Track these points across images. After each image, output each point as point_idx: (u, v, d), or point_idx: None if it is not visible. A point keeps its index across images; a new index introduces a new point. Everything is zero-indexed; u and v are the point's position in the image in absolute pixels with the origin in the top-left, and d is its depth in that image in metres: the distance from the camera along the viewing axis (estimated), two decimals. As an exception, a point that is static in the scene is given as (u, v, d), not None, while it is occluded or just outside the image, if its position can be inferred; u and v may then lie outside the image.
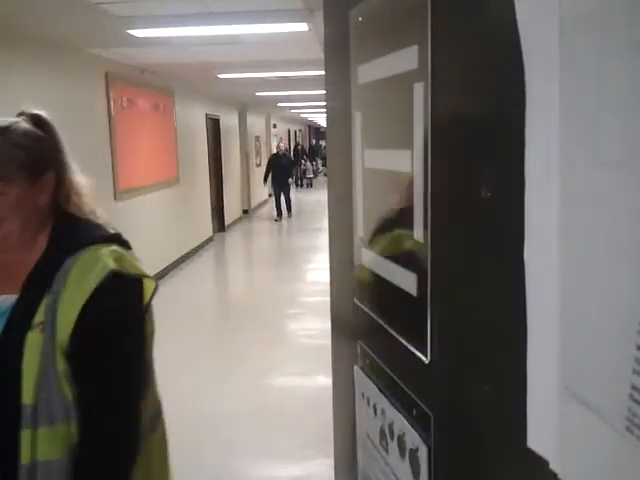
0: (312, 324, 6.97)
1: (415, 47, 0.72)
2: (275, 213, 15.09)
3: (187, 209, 10.36)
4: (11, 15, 4.98)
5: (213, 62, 7.86)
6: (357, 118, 0.95)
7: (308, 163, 24.32)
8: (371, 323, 0.93)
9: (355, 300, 1.01)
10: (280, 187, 14.76)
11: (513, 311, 0.56)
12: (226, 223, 13.47)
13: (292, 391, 5.14)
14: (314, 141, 30.64)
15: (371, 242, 0.93)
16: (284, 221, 14.94)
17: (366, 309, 0.96)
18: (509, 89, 0.56)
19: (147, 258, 7.18)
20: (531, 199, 0.51)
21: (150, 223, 8.50)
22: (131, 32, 5.53)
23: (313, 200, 20.27)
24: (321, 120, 28.91)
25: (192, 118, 11.02)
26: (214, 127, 12.74)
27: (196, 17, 5.23)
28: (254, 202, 16.42)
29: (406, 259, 0.79)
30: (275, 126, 21.34)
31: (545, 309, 0.51)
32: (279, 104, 15.77)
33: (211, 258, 10.80)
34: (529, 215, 0.52)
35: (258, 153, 17.44)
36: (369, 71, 0.89)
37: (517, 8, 0.50)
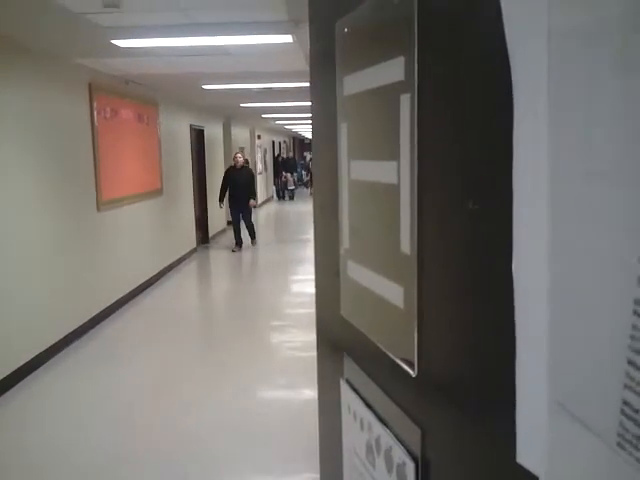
0: (296, 336, 6.94)
1: (402, 58, 0.72)
2: (234, 242, 12.49)
3: (170, 220, 10.32)
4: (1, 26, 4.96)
5: (198, 73, 7.86)
6: (343, 129, 0.94)
7: (289, 174, 24.37)
8: (357, 336, 0.92)
9: (341, 312, 1.00)
10: (239, 209, 12.02)
11: (502, 325, 0.56)
12: (210, 235, 13.43)
13: (277, 404, 5.11)
14: (291, 154, 30.69)
15: (357, 254, 0.92)
16: (248, 249, 12.56)
17: (352, 322, 0.95)
18: (497, 101, 0.56)
19: (130, 270, 7.16)
20: (519, 212, 0.51)
21: (133, 234, 8.45)
22: (115, 42, 5.52)
23: (294, 211, 20.29)
24: (306, 132, 29.01)
25: (176, 129, 11.01)
26: (198, 138, 12.72)
27: (181, 28, 5.23)
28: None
29: (392, 271, 0.79)
30: (259, 137, 21.38)
31: (534, 323, 0.50)
32: (264, 115, 15.80)
33: (194, 270, 10.76)
34: (517, 228, 0.51)
35: (242, 164, 17.43)
36: (355, 82, 0.88)
37: (505, 21, 0.50)
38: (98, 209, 7.19)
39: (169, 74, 7.77)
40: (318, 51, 1.10)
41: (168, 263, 10.06)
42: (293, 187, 24.51)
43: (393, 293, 0.78)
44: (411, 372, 0.74)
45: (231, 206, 12.22)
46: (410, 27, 0.69)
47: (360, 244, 0.91)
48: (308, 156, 31.43)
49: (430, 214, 0.69)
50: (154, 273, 9.30)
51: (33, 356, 5.60)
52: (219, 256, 12.23)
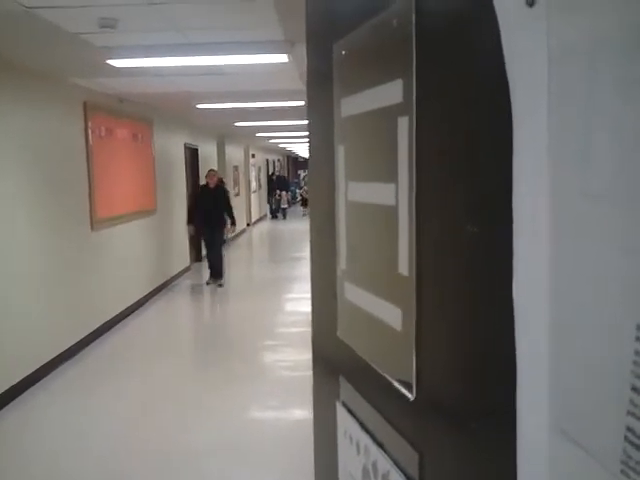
0: (290, 356, 6.91)
1: (400, 81, 0.72)
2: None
3: (164, 238, 10.29)
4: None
5: (192, 92, 7.89)
6: (340, 151, 0.95)
7: (283, 193, 24.41)
8: (354, 358, 0.92)
9: (337, 334, 1.00)
10: (210, 235, 10.08)
11: (502, 348, 0.55)
12: (203, 253, 13.39)
13: (271, 425, 5.07)
14: (284, 172, 30.79)
15: (354, 275, 0.92)
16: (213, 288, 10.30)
17: (349, 343, 0.94)
18: (495, 123, 0.56)
19: (123, 288, 7.08)
20: (520, 236, 0.51)
21: (127, 252, 8.42)
22: (110, 62, 5.53)
23: (288, 230, 20.30)
24: (300, 150, 29.10)
25: (171, 147, 11.02)
26: (192, 157, 12.74)
27: (176, 48, 5.25)
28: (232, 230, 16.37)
29: (390, 293, 0.78)
30: (254, 156, 21.43)
31: (535, 347, 0.50)
32: (258, 134, 15.86)
33: (188, 288, 10.69)
34: (517, 250, 0.51)
35: (236, 183, 17.47)
36: (353, 104, 0.89)
37: (504, 42, 0.50)
38: (92, 228, 7.17)
39: (164, 93, 7.80)
40: (315, 72, 1.11)
41: (162, 281, 10.02)
42: (286, 206, 24.54)
43: (391, 315, 0.77)
44: (409, 395, 0.73)
45: (201, 231, 10.20)
46: (408, 50, 0.69)
47: (357, 266, 0.91)
48: (302, 174, 31.51)
49: (429, 236, 0.69)
50: (147, 291, 9.26)
51: (28, 373, 5.56)
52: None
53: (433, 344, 0.69)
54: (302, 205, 25.87)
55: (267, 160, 26.59)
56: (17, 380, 5.49)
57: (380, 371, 0.82)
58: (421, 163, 0.69)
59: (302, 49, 4.42)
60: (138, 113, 9.01)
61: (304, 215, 24.55)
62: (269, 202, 24.44)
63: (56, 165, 6.39)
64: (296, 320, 8.40)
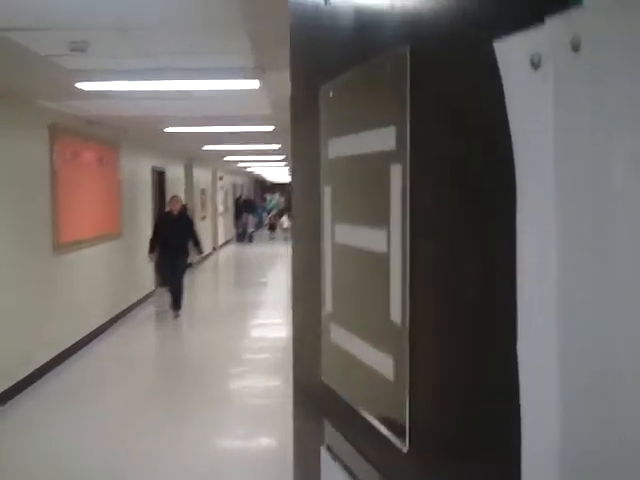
0: (256, 382, 6.83)
1: (392, 128, 0.72)
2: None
3: (129, 263, 10.14)
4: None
5: (161, 116, 7.85)
6: (327, 192, 0.94)
7: (250, 217, 24.35)
8: (340, 403, 0.90)
9: (322, 377, 0.98)
10: (171, 264, 9.48)
11: (503, 400, 0.55)
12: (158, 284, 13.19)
13: (236, 453, 4.98)
14: (247, 195, 30.78)
15: (341, 318, 0.91)
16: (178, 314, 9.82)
17: (335, 388, 0.93)
18: (495, 177, 0.56)
19: (85, 313, 6.95)
20: (525, 292, 0.50)
21: (90, 277, 8.27)
22: (80, 85, 5.48)
23: (255, 254, 20.22)
24: (267, 174, 29.12)
25: (138, 171, 10.93)
26: (160, 180, 12.64)
27: (147, 72, 5.23)
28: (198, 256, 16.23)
29: (381, 341, 0.77)
30: (221, 179, 21.37)
31: (542, 407, 0.49)
32: (226, 158, 15.83)
33: (151, 314, 10.52)
34: (523, 307, 0.51)
35: (203, 206, 17.37)
36: (341, 146, 0.89)
37: (507, 101, 0.50)
38: (55, 252, 7.03)
39: (132, 116, 7.74)
40: (300, 112, 1.10)
41: (125, 306, 9.85)
42: (253, 229, 24.47)
43: (382, 363, 0.76)
44: (402, 447, 0.72)
45: (163, 260, 9.58)
46: (402, 98, 0.69)
47: (345, 309, 0.90)
48: (269, 198, 31.48)
49: (423, 285, 0.68)
50: (110, 317, 9.09)
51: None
52: (178, 299, 12.04)
53: (428, 396, 0.68)
54: (269, 229, 25.84)
55: (234, 184, 26.54)
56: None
57: (370, 420, 0.80)
58: (415, 212, 0.69)
59: (273, 76, 4.45)
60: (105, 136, 8.92)
61: (271, 239, 24.50)
62: (236, 226, 24.31)
63: (19, 188, 6.27)
64: (263, 346, 8.33)
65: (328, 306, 0.95)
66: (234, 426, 5.51)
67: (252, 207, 25.90)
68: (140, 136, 10.23)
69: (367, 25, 0.81)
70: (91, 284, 8.28)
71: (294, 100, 1.13)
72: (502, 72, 0.49)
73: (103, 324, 8.69)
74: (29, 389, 6.22)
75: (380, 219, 0.76)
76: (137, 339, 8.75)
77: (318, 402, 1.02)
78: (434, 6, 0.64)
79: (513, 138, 0.49)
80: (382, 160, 0.75)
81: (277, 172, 27.31)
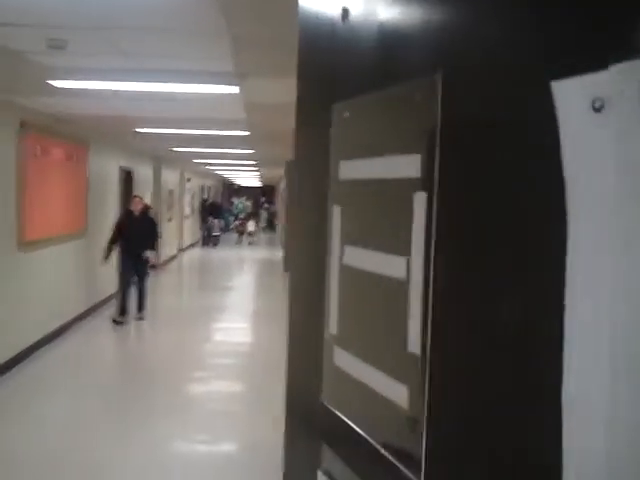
0: (220, 388, 6.75)
1: (417, 156, 0.71)
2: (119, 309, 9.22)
3: (93, 263, 9.94)
4: None
5: (133, 116, 7.75)
6: (336, 213, 0.93)
7: (215, 220, 24.11)
8: (342, 427, 0.89)
9: (322, 400, 0.96)
10: (133, 266, 9.05)
11: (539, 440, 0.54)
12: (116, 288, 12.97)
13: (198, 460, 4.91)
14: (219, 199, 30.60)
15: (348, 342, 0.89)
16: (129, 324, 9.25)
17: (337, 412, 0.91)
18: (539, 216, 0.55)
19: (48, 312, 6.81)
20: (574, 334, 0.49)
21: (54, 276, 8.10)
22: (54, 83, 5.37)
23: (219, 258, 20.06)
24: (235, 178, 28.95)
25: (105, 169, 10.76)
26: (127, 179, 12.47)
27: (123, 72, 5.16)
28: (163, 257, 16.04)
29: (396, 369, 0.76)
30: (189, 180, 21.17)
31: (588, 452, 0.48)
32: (195, 160, 15.70)
33: (114, 315, 10.33)
34: (570, 346, 0.50)
35: (171, 207, 17.19)
36: (355, 168, 0.87)
37: (563, 143, 0.50)
38: (19, 249, 6.87)
39: (104, 115, 7.62)
40: (307, 130, 1.09)
41: (89, 306, 9.67)
42: (218, 233, 24.22)
43: (395, 392, 0.75)
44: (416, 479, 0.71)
45: (123, 262, 9.10)
46: (431, 126, 0.69)
47: (352, 333, 0.89)
48: (236, 201, 31.27)
49: (447, 316, 0.67)
50: (74, 316, 8.91)
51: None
52: (141, 301, 11.85)
53: (448, 430, 0.67)
54: (238, 233, 25.50)
55: (202, 186, 26.32)
56: None
57: (380, 449, 0.79)
58: (440, 240, 0.68)
59: (253, 82, 4.41)
60: (74, 133, 8.77)
61: (237, 244, 24.29)
62: (201, 229, 24.05)
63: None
64: (227, 350, 8.26)
65: (332, 328, 0.94)
66: (196, 431, 5.43)
67: (219, 210, 25.66)
68: (110, 135, 10.08)
69: (392, 46, 0.80)
70: (55, 283, 8.11)
71: (301, 116, 1.11)
72: (559, 112, 0.49)
73: (65, 324, 8.52)
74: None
75: (399, 245, 0.75)
76: (98, 341, 8.59)
77: (315, 423, 1.01)
78: (477, 35, 0.63)
79: (567, 177, 0.49)
80: (404, 186, 0.74)
81: (247, 176, 27.19)
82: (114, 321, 9.10)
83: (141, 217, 9.26)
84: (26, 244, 7.06)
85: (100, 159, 10.28)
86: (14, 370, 6.71)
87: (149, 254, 9.28)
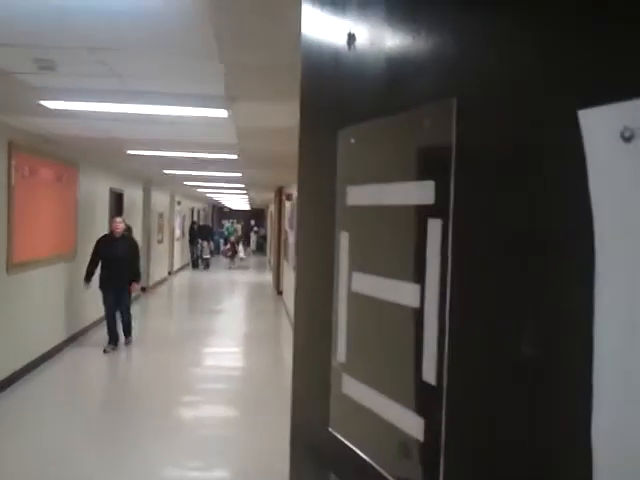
0: (211, 413, 6.67)
1: (431, 183, 0.71)
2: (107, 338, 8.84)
3: (82, 285, 9.87)
4: None
5: (124, 138, 7.74)
6: (343, 238, 0.92)
7: (205, 243, 23.95)
8: (351, 456, 0.87)
9: (330, 429, 0.95)
10: (114, 292, 8.59)
11: (557, 476, 0.53)
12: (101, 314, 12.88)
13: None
14: (208, 222, 30.54)
15: (357, 371, 0.88)
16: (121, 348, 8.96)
17: (346, 441, 0.90)
18: (557, 232, 0.55)
19: (35, 335, 6.71)
20: (604, 363, 0.48)
21: (42, 299, 8.02)
22: (44, 103, 5.36)
23: (210, 281, 19.98)
24: (226, 201, 28.95)
25: (95, 191, 10.73)
26: (117, 201, 12.44)
27: (114, 94, 5.16)
28: (153, 280, 15.96)
29: (410, 399, 0.75)
30: (179, 203, 21.15)
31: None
32: (186, 182, 15.70)
33: (102, 338, 10.23)
34: (601, 378, 0.49)
35: (160, 230, 17.14)
36: (363, 194, 0.87)
37: (590, 173, 0.49)
38: (7, 271, 6.80)
39: (94, 137, 7.61)
40: (311, 156, 1.08)
41: (77, 329, 9.56)
42: (209, 256, 24.09)
43: (408, 421, 0.74)
44: (433, 512, 0.69)
45: (104, 288, 8.61)
46: (446, 155, 0.68)
47: (362, 361, 0.87)
48: (226, 224, 31.24)
49: (466, 347, 0.66)
50: (61, 340, 8.80)
51: None
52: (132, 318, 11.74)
53: (466, 462, 0.66)
54: (229, 257, 24.91)
55: (193, 208, 26.29)
56: None
57: (389, 478, 0.77)
58: (457, 268, 0.67)
59: (243, 106, 4.43)
60: (64, 154, 8.75)
61: (230, 268, 23.86)
62: (191, 251, 23.93)
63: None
64: (218, 375, 8.18)
65: (340, 356, 0.92)
66: (187, 457, 5.35)
67: (209, 233, 25.56)
68: (100, 156, 10.06)
69: (400, 73, 0.80)
70: (43, 306, 8.03)
71: (304, 142, 1.11)
72: (586, 141, 0.48)
73: (52, 348, 8.42)
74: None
75: (411, 272, 0.74)
76: (86, 365, 8.48)
77: (322, 452, 0.99)
78: (493, 62, 0.63)
79: (594, 206, 0.48)
80: (416, 213, 0.73)
81: (236, 199, 27.18)
82: (104, 351, 8.67)
83: (120, 239, 8.69)
84: (14, 266, 7.00)
85: (90, 180, 10.25)
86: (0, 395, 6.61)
87: (133, 287, 8.78)
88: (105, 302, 8.71)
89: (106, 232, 8.79)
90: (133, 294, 9.12)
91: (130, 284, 8.70)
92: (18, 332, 7.09)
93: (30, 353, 7.53)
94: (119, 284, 8.57)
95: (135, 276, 8.82)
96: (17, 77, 4.59)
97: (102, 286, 8.62)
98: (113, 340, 8.77)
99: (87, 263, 8.71)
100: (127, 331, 9.06)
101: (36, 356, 7.70)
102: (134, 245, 8.98)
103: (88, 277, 8.59)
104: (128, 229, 9.53)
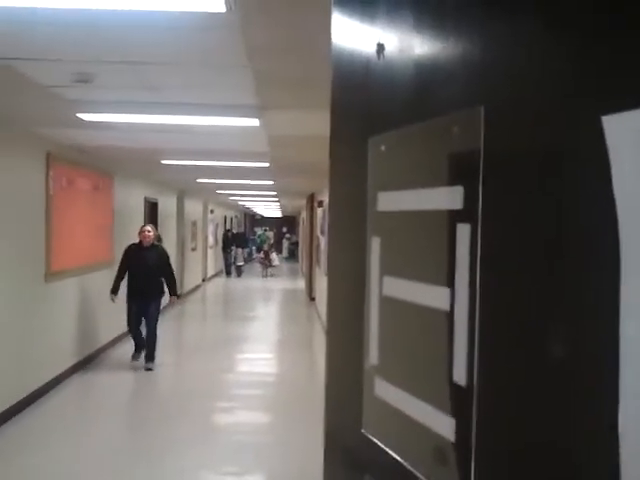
0: (246, 419, 6.72)
1: (460, 188, 0.73)
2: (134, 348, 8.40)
3: (120, 292, 10.04)
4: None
5: (158, 149, 7.88)
6: (375, 243, 0.94)
7: (239, 250, 24.03)
8: (385, 458, 0.89)
9: (363, 431, 0.96)
10: (141, 305, 8.00)
11: (588, 475, 0.54)
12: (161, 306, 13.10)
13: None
14: (242, 229, 30.77)
15: (389, 373, 0.90)
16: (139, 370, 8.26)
17: (380, 443, 0.91)
18: (581, 236, 0.56)
19: (74, 341, 6.84)
20: (630, 365, 0.49)
21: (81, 306, 8.19)
22: (81, 116, 5.50)
23: (243, 288, 20.11)
24: (258, 208, 29.16)
25: (131, 200, 10.92)
26: (152, 210, 12.64)
27: (148, 105, 5.26)
28: (187, 287, 16.15)
29: (441, 401, 0.76)
30: (212, 211, 21.37)
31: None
32: (218, 191, 15.87)
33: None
34: (625, 375, 0.49)
35: (194, 238, 17.34)
36: (393, 200, 0.89)
37: (615, 175, 0.50)
38: (46, 280, 6.96)
39: (129, 147, 7.76)
40: (342, 162, 1.11)
41: (115, 335, 9.74)
42: (242, 263, 24.21)
43: (441, 423, 0.75)
44: (465, 511, 0.70)
45: (131, 300, 8.04)
46: (474, 161, 0.70)
47: (394, 364, 0.89)
48: (258, 231, 31.47)
49: (494, 347, 0.67)
50: (99, 346, 8.97)
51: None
52: (165, 330, 11.90)
53: (495, 462, 0.67)
54: (263, 265, 24.27)
55: (225, 216, 26.54)
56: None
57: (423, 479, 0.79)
58: (486, 271, 0.69)
59: (273, 114, 4.49)
60: (100, 165, 8.94)
61: (264, 277, 23.46)
62: (224, 259, 24.07)
63: (14, 214, 6.24)
64: (252, 381, 8.23)
65: (373, 359, 0.94)
66: (223, 463, 5.40)
67: (244, 241, 25.66)
68: (135, 166, 10.25)
69: (429, 81, 0.81)
70: (81, 313, 8.19)
71: (334, 150, 1.13)
72: (610, 147, 0.50)
73: (90, 354, 8.58)
74: (13, 420, 6.08)
75: (441, 276, 0.75)
76: (122, 370, 8.60)
77: (357, 454, 1.01)
78: (521, 68, 0.64)
79: (619, 211, 0.50)
80: (445, 218, 0.75)
81: (268, 207, 27.35)
82: (133, 358, 8.38)
83: (149, 248, 8.07)
84: (52, 274, 7.16)
85: (125, 190, 10.44)
86: (37, 402, 6.76)
87: (172, 297, 8.25)
88: (130, 314, 8.14)
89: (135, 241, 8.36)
90: (173, 305, 8.55)
91: (160, 297, 8.19)
92: (56, 337, 7.26)
93: (67, 358, 7.70)
94: (148, 297, 7.95)
95: (172, 288, 8.26)
96: (54, 90, 4.72)
97: (129, 298, 8.05)
98: (140, 348, 8.28)
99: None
100: (149, 354, 8.21)
101: (74, 362, 7.87)
102: (165, 255, 8.33)
103: (115, 289, 8.08)
104: (158, 238, 8.99)
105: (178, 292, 9.01)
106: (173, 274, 8.37)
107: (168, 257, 8.51)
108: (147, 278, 7.87)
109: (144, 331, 8.29)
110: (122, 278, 8.08)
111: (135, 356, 8.28)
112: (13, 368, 6.18)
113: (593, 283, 0.55)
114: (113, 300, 8.09)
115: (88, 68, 4.24)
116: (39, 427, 6.05)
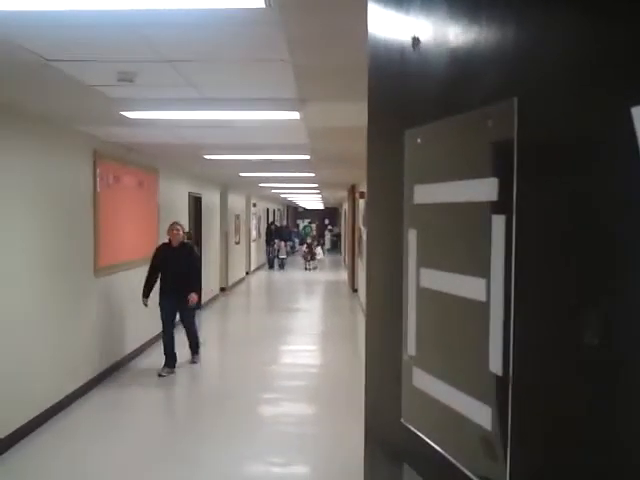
0: (290, 410, 6.77)
1: (494, 180, 0.73)
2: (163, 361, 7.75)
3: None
4: (12, 94, 5.07)
5: (201, 144, 7.98)
6: (411, 236, 0.95)
7: (282, 243, 24.16)
8: (423, 446, 0.90)
9: (402, 420, 0.98)
10: (174, 306, 7.69)
11: (620, 462, 0.54)
12: (203, 301, 13.32)
13: (272, 482, 4.93)
14: (284, 222, 30.89)
15: (428, 363, 0.91)
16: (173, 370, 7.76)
17: (418, 432, 0.93)
18: (616, 222, 0.56)
19: (124, 333, 6.93)
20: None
21: (128, 300, 8.37)
22: (125, 114, 5.61)
23: (286, 280, 20.23)
24: (300, 201, 29.27)
25: (175, 196, 11.09)
26: (196, 205, 12.81)
27: (190, 102, 5.34)
28: (232, 280, 16.35)
29: (477, 390, 0.77)
30: (255, 205, 21.54)
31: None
32: (260, 184, 15.98)
33: (185, 336, 10.56)
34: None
35: (237, 231, 17.53)
36: (429, 193, 0.89)
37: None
38: (95, 275, 7.14)
39: (172, 144, 7.89)
40: (379, 155, 1.12)
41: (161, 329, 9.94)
42: (285, 256, 24.34)
43: (477, 412, 0.76)
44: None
45: (162, 302, 7.66)
46: (509, 153, 0.70)
47: (432, 354, 0.90)
48: (301, 224, 31.60)
49: (531, 338, 0.68)
50: (149, 338, 9.17)
51: (26, 421, 5.45)
52: (210, 322, 12.08)
53: (531, 450, 0.68)
54: (309, 258, 24.08)
55: (267, 209, 26.71)
56: (15, 427, 5.38)
57: (461, 467, 0.80)
58: (521, 262, 0.69)
59: (314, 107, 4.50)
60: (144, 161, 9.10)
61: (306, 269, 23.41)
62: (267, 252, 24.27)
63: (63, 212, 6.42)
64: (296, 372, 8.29)
65: (411, 349, 0.95)
66: (269, 453, 5.46)
67: (287, 234, 25.72)
68: (179, 162, 10.40)
69: (463, 74, 0.82)
70: (129, 307, 8.37)
71: (372, 141, 1.14)
72: (638, 130, 0.50)
73: (140, 346, 8.77)
74: (67, 409, 6.27)
75: (477, 267, 0.76)
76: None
77: (396, 443, 1.02)
78: (553, 61, 0.64)
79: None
80: (481, 209, 0.76)
81: (310, 199, 27.42)
82: (159, 375, 7.56)
83: (179, 248, 7.74)
84: (100, 269, 7.34)
85: (170, 185, 10.61)
86: (79, 401, 6.94)
87: (192, 295, 7.67)
88: (163, 318, 7.72)
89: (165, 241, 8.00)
90: (194, 306, 7.93)
91: (189, 296, 7.66)
92: (106, 331, 7.44)
93: (117, 351, 7.89)
94: (180, 298, 7.59)
95: (195, 286, 7.86)
96: (99, 89, 4.83)
97: (162, 297, 7.67)
98: (170, 362, 7.74)
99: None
100: (194, 348, 8.16)
101: (125, 354, 8.06)
102: (194, 254, 7.99)
103: (146, 292, 7.66)
104: (188, 236, 8.59)
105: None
106: (199, 274, 8.10)
107: (197, 257, 8.24)
108: (178, 278, 7.57)
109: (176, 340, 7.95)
110: (154, 282, 7.70)
111: (163, 372, 7.63)
112: (66, 354, 6.36)
113: (631, 271, 0.55)
114: (146, 304, 7.70)
115: (130, 67, 4.33)
116: (85, 419, 6.22)
